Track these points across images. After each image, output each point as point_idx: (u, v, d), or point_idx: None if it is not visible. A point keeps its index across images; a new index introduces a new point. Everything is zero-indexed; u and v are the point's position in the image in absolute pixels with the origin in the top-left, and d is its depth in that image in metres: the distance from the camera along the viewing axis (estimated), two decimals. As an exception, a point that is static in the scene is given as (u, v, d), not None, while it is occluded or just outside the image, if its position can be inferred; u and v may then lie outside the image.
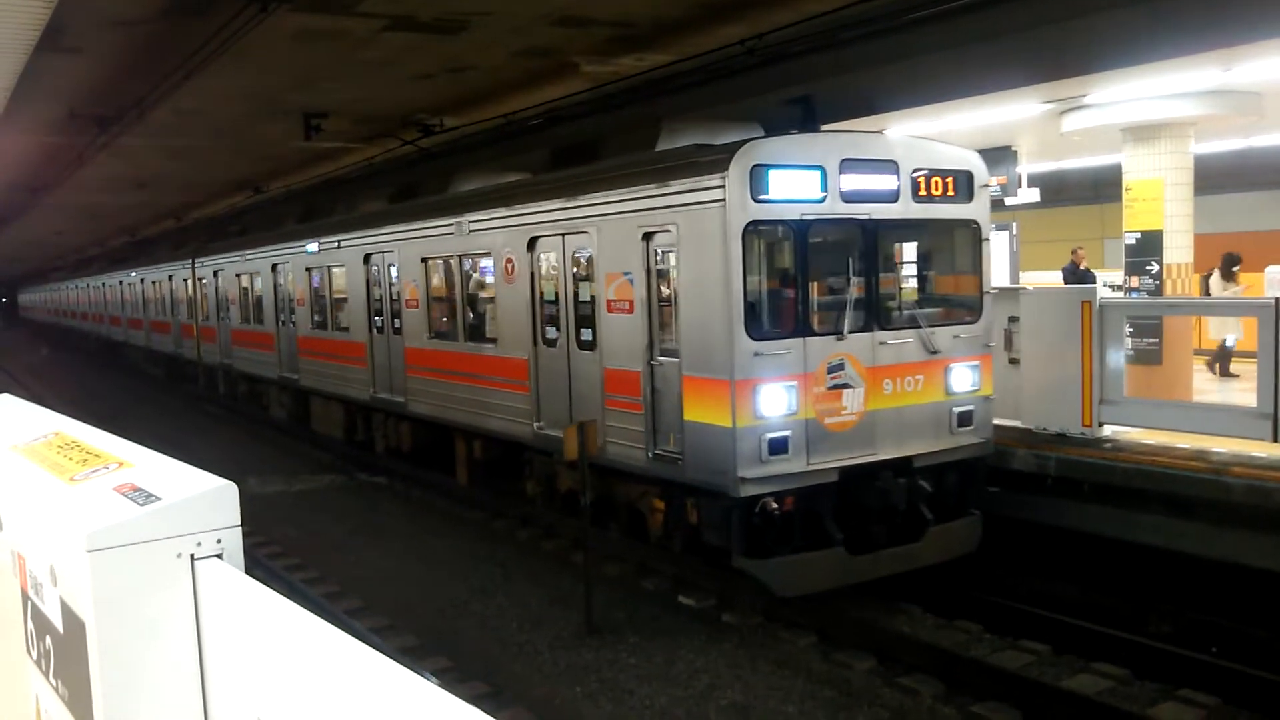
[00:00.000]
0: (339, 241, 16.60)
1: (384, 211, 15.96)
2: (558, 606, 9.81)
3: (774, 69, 11.90)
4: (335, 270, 17.03)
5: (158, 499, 2.19)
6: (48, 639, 2.48)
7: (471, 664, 8.62)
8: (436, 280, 14.11)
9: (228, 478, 2.27)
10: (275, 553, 12.14)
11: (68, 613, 2.27)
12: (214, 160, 21.27)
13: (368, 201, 17.43)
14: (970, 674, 7.90)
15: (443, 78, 13.90)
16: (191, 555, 2.15)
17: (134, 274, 33.76)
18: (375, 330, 15.52)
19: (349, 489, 15.89)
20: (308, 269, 17.94)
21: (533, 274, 11.27)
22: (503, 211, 11.91)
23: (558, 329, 10.99)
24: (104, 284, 39.67)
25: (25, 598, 2.69)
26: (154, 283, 30.81)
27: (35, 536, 2.56)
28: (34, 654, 2.64)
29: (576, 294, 10.66)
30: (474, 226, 12.46)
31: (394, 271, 14.86)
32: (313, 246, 17.61)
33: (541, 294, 11.26)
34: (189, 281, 26.16)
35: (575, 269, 10.68)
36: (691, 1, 10.78)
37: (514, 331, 11.71)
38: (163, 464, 2.51)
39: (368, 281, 15.66)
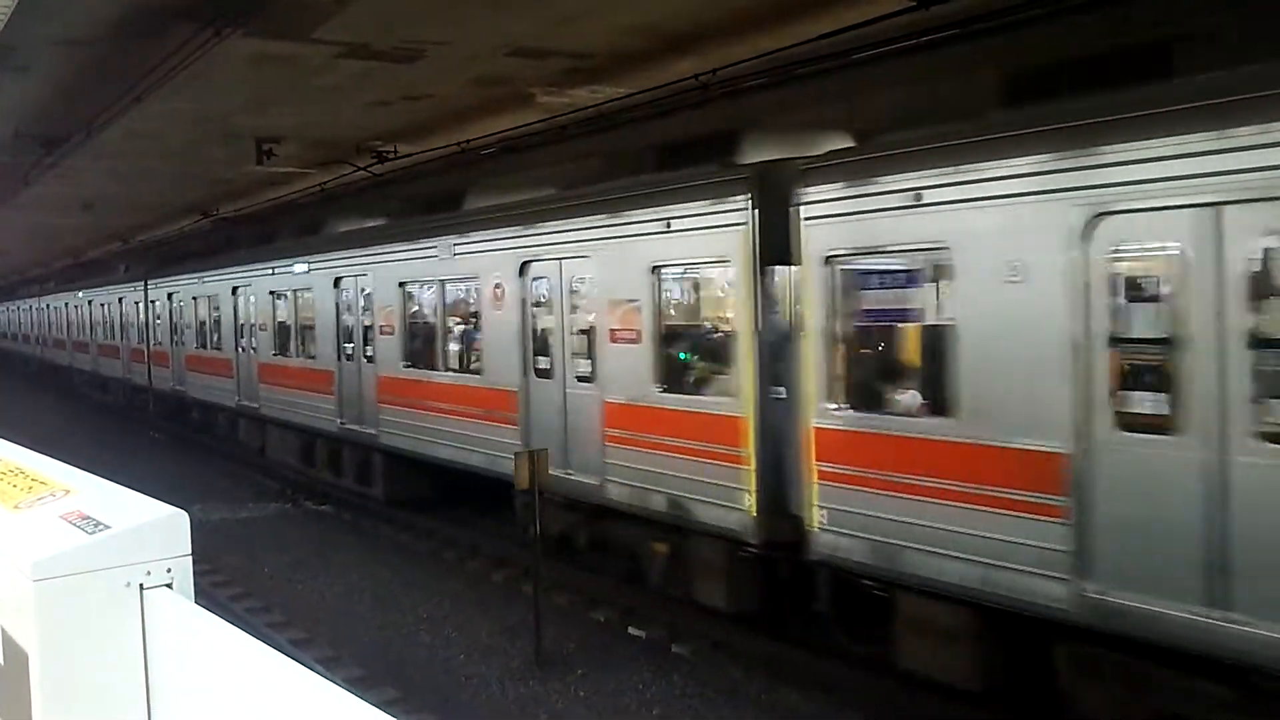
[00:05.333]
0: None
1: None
2: (507, 637, 9.74)
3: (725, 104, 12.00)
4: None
5: (107, 527, 2.17)
6: (-12, 670, 2.43)
7: (420, 695, 8.52)
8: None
9: (173, 505, 2.26)
10: (220, 581, 11.91)
11: (9, 644, 2.24)
12: (164, 183, 21.00)
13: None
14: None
15: (398, 105, 13.88)
16: (141, 585, 2.12)
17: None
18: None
19: (296, 517, 15.67)
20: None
21: None
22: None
23: None
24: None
25: (-35, 628, 2.64)
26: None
27: (-23, 565, 2.52)
28: (-27, 686, 2.59)
29: None
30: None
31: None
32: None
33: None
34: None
35: None
36: (647, 34, 10.89)
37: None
38: (111, 491, 2.49)
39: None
